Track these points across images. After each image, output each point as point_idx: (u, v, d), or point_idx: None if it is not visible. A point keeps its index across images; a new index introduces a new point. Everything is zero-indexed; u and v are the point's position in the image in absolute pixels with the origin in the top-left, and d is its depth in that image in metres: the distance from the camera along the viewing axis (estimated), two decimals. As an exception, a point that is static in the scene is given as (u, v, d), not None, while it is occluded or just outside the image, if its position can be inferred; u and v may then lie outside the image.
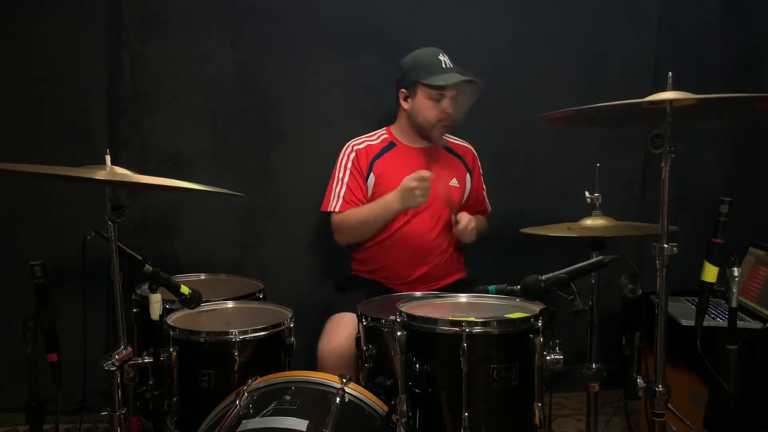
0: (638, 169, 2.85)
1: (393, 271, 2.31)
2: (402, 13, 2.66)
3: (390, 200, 2.16)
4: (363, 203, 2.29)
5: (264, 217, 2.70)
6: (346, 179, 2.29)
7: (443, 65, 2.22)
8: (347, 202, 2.28)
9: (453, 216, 2.24)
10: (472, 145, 2.48)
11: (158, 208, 2.63)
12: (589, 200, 1.83)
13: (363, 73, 2.66)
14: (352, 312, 2.02)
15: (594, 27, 2.77)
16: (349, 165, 2.31)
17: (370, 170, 2.31)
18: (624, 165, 2.84)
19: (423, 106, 2.25)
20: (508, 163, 2.78)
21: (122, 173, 1.53)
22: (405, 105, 2.30)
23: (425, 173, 2.08)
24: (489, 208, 2.53)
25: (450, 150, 2.41)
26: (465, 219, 2.23)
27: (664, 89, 1.39)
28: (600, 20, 2.77)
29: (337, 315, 2.14)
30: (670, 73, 1.41)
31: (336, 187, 2.30)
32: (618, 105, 1.41)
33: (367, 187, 2.30)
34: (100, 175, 1.49)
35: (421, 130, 2.31)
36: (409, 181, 2.09)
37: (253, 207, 2.67)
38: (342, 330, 2.06)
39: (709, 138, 2.85)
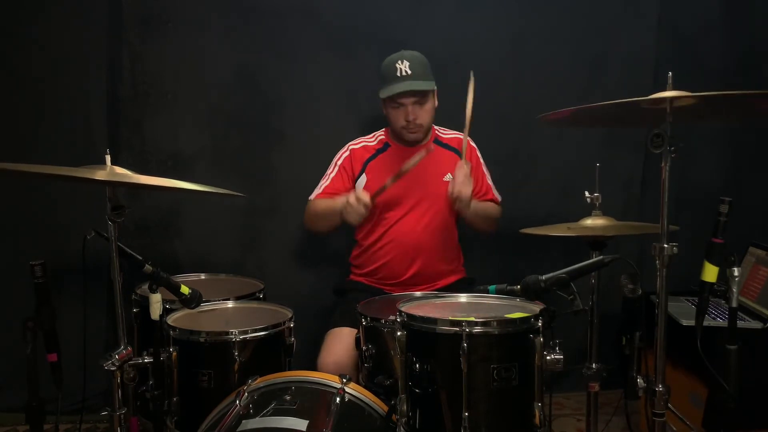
0: (638, 169, 2.85)
1: (389, 270, 2.31)
2: (402, 13, 2.66)
3: (338, 204, 2.18)
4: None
5: (264, 217, 2.70)
6: (332, 174, 2.34)
7: (398, 73, 2.18)
8: (324, 194, 2.32)
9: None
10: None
11: (158, 208, 2.63)
12: (589, 200, 1.83)
13: (363, 73, 2.65)
14: (351, 327, 2.04)
15: (594, 27, 2.77)
16: (340, 162, 2.35)
17: (362, 170, 2.32)
18: (624, 165, 2.84)
19: (389, 113, 2.28)
20: (508, 163, 2.78)
21: (122, 173, 1.53)
22: (384, 110, 2.31)
23: (366, 199, 2.08)
24: (497, 196, 2.46)
25: (444, 145, 2.39)
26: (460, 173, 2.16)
27: (664, 89, 1.39)
28: (600, 20, 2.77)
29: (336, 329, 2.15)
30: (670, 73, 1.41)
31: (322, 181, 2.35)
32: (618, 104, 1.41)
33: (352, 186, 2.31)
34: (100, 175, 1.49)
35: (396, 135, 2.33)
36: (351, 197, 2.10)
37: (253, 207, 2.67)
38: (340, 344, 2.07)
39: (709, 138, 2.85)
